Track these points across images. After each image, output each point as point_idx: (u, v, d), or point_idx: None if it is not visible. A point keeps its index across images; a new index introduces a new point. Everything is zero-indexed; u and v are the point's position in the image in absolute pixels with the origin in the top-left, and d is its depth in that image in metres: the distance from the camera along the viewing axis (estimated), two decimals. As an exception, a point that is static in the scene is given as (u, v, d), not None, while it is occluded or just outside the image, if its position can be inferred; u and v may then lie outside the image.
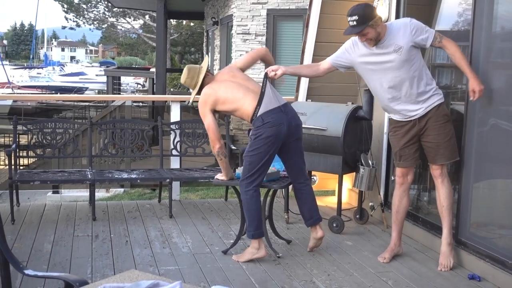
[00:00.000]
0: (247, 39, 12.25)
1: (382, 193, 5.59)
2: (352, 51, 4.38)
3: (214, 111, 4.45)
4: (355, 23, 4.09)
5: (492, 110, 4.23)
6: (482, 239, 4.32)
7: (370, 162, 5.29)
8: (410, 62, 4.17)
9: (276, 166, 4.82)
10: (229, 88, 4.43)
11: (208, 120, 4.42)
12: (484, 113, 4.27)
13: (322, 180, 6.38)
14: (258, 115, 4.30)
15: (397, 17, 5.47)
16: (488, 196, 4.45)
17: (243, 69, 4.64)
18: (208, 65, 4.68)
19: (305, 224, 4.66)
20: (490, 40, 4.27)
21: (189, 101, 4.93)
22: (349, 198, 6.26)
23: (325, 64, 4.57)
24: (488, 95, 4.19)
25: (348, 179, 5.98)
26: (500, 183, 4.31)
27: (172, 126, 6.38)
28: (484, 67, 4.24)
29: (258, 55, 4.75)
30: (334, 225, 5.26)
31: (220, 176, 4.66)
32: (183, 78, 4.58)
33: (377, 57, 4.24)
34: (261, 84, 4.37)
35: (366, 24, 4.06)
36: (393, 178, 5.62)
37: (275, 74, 4.34)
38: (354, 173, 5.43)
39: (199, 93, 4.54)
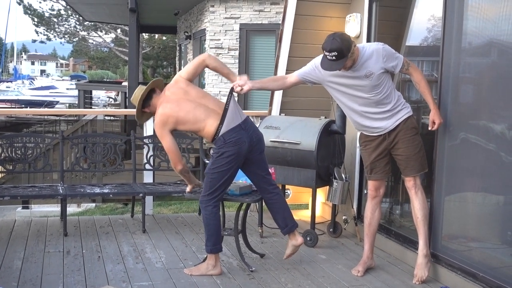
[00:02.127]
0: (220, 53, 12.28)
1: (355, 206, 5.63)
2: (321, 69, 4.33)
3: (173, 130, 4.34)
4: (334, 58, 4.07)
5: (462, 124, 4.30)
6: (454, 252, 4.37)
7: (343, 175, 5.33)
8: (379, 86, 4.24)
9: (248, 180, 4.83)
10: (189, 109, 4.28)
11: (168, 142, 4.30)
12: (454, 127, 4.33)
13: (295, 193, 6.40)
14: (219, 134, 4.25)
15: (369, 33, 5.55)
16: (459, 209, 4.50)
17: (190, 81, 4.47)
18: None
19: (282, 232, 4.65)
20: (460, 55, 4.35)
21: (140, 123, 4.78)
22: (322, 211, 6.28)
23: (292, 77, 4.58)
24: (458, 110, 4.27)
25: (321, 193, 6.01)
26: (471, 196, 4.37)
27: (146, 140, 6.34)
28: (454, 82, 4.32)
29: (200, 65, 4.51)
30: (308, 238, 5.27)
31: (188, 189, 4.69)
32: (133, 96, 4.45)
33: (348, 80, 4.27)
34: (218, 99, 4.36)
35: (346, 58, 4.08)
36: (365, 192, 5.67)
37: (242, 89, 4.30)
38: (328, 186, 5.46)
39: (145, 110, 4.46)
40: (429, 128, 4.28)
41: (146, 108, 4.46)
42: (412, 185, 4.41)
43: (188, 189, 4.70)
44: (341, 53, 4.04)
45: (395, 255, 4.96)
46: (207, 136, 4.33)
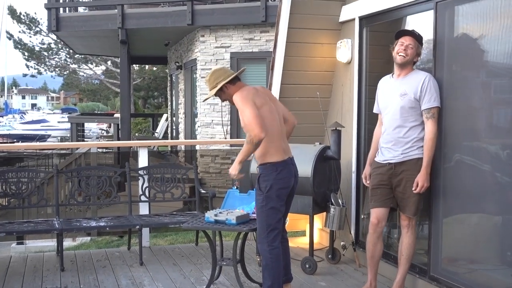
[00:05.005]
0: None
1: (353, 232, 5.61)
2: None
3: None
4: (416, 33, 4.35)
5: (458, 146, 4.32)
6: (454, 275, 4.36)
7: (340, 201, 5.32)
8: (407, 112, 4.31)
9: (246, 209, 4.81)
10: (265, 102, 4.16)
11: (252, 109, 4.00)
12: (450, 148, 4.35)
13: (292, 220, 6.35)
14: (273, 161, 4.15)
15: (360, 58, 5.60)
16: (458, 231, 4.50)
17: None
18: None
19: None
20: (451, 76, 4.38)
21: (206, 99, 4.54)
22: (320, 238, 6.26)
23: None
24: (452, 131, 4.30)
25: (318, 219, 6.00)
26: (469, 217, 4.37)
27: (140, 172, 6.32)
28: (447, 103, 4.34)
29: (288, 120, 4.46)
30: (307, 266, 5.24)
31: (234, 170, 4.20)
32: (209, 75, 4.30)
33: (391, 89, 4.44)
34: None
35: (419, 41, 4.33)
36: (362, 217, 5.67)
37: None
38: (325, 213, 5.45)
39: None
40: (413, 189, 4.31)
41: (224, 87, 4.24)
42: (406, 224, 4.46)
43: (233, 169, 4.18)
44: (419, 37, 4.36)
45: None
46: (264, 152, 4.14)
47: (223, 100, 4.41)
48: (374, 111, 4.72)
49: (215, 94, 4.32)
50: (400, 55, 4.34)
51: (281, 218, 4.26)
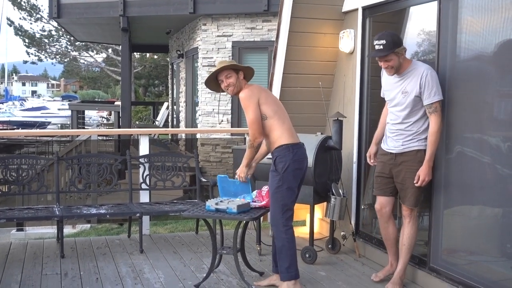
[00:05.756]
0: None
1: (353, 222, 5.62)
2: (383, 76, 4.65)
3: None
4: (381, 47, 4.24)
5: (459, 138, 4.32)
6: (454, 266, 4.36)
7: (340, 191, 5.32)
8: (410, 106, 4.32)
9: (246, 197, 4.81)
10: (274, 100, 4.48)
11: (254, 112, 4.28)
12: (451, 140, 4.35)
13: (292, 210, 6.37)
14: (288, 143, 4.29)
15: (363, 49, 5.58)
16: (459, 223, 4.50)
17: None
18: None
19: (273, 270, 4.62)
20: (454, 68, 4.37)
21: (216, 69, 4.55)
22: (320, 228, 6.27)
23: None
24: (454, 123, 4.29)
25: (318, 209, 6.00)
26: (470, 209, 4.38)
27: (141, 160, 6.32)
28: (449, 95, 4.33)
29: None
30: (307, 255, 5.25)
31: (240, 171, 4.56)
32: (226, 60, 4.55)
33: (392, 85, 4.47)
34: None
35: (392, 51, 4.22)
36: (363, 207, 5.67)
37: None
38: (325, 202, 5.45)
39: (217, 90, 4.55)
40: (414, 182, 4.32)
41: (228, 77, 4.41)
42: (407, 214, 4.49)
43: (240, 171, 4.54)
44: (388, 43, 4.21)
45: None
46: (277, 135, 4.31)
47: (224, 88, 4.44)
48: (381, 95, 4.72)
49: (221, 82, 4.46)
50: (387, 71, 4.40)
51: (294, 200, 4.38)
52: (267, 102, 4.34)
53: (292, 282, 4.34)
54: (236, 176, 4.61)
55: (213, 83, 4.54)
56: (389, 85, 4.51)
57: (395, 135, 4.45)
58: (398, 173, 4.46)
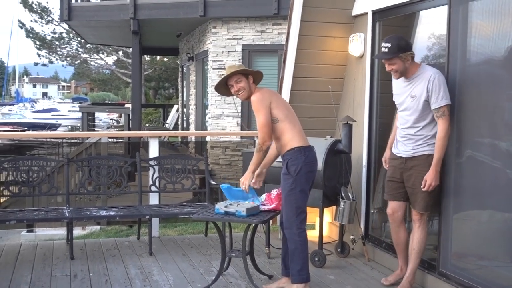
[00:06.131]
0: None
1: (362, 226, 5.61)
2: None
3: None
4: (386, 50, 4.26)
5: (469, 142, 4.30)
6: (464, 270, 4.35)
7: (350, 195, 5.32)
8: (419, 111, 4.32)
9: (255, 201, 4.81)
10: (285, 104, 4.49)
11: (264, 115, 4.30)
12: (462, 144, 4.34)
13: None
14: (300, 146, 4.32)
15: (372, 52, 5.57)
16: (468, 227, 4.49)
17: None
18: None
19: (283, 273, 4.63)
20: (464, 72, 4.36)
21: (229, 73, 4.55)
22: (329, 231, 6.26)
23: None
24: (464, 127, 4.28)
25: (328, 213, 6.00)
26: (480, 214, 4.36)
27: (151, 162, 6.34)
28: (459, 99, 4.32)
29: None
30: (316, 259, 5.25)
31: (245, 179, 4.49)
32: (235, 65, 4.56)
33: (401, 89, 4.47)
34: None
35: (396, 55, 4.23)
36: (372, 211, 5.67)
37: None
38: (335, 206, 5.45)
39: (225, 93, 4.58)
40: (421, 186, 4.32)
41: (238, 82, 4.43)
42: (417, 219, 4.48)
43: (245, 178, 4.47)
44: (394, 47, 4.22)
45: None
46: (289, 138, 4.34)
47: (235, 92, 4.45)
48: (393, 99, 4.71)
49: (231, 85, 4.49)
50: (392, 74, 4.42)
51: (307, 203, 4.40)
52: (278, 106, 4.36)
53: (303, 285, 4.34)
54: (242, 186, 4.52)
55: (223, 88, 4.56)
56: (399, 89, 4.51)
57: (405, 139, 4.45)
58: (408, 178, 4.46)
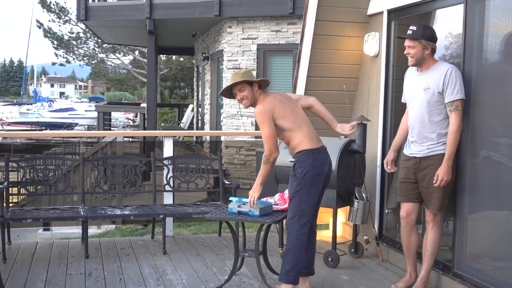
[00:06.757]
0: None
1: (376, 226, 5.58)
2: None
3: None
4: (410, 32, 4.27)
5: (485, 142, 4.26)
6: (479, 272, 4.31)
7: (364, 195, 5.29)
8: (433, 106, 4.27)
9: (269, 200, 4.81)
10: (290, 109, 4.36)
11: (268, 128, 4.25)
12: (477, 144, 4.30)
13: (316, 213, 6.35)
14: (308, 149, 4.28)
15: (388, 52, 5.54)
16: (484, 228, 4.45)
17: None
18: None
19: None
20: (480, 71, 4.32)
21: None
22: (343, 231, 6.24)
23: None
24: (480, 127, 4.24)
25: (342, 213, 5.97)
26: (495, 214, 4.32)
27: (165, 162, 6.36)
28: (475, 98, 4.28)
29: (306, 103, 4.64)
30: (330, 259, 5.23)
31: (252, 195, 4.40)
32: (240, 72, 4.44)
33: (415, 83, 4.44)
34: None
35: (417, 38, 4.22)
36: (386, 211, 5.63)
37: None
38: (348, 206, 5.43)
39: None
40: (433, 182, 4.27)
41: (241, 91, 4.36)
42: (431, 219, 4.44)
43: (254, 191, 4.38)
44: (417, 31, 4.24)
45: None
46: (296, 143, 4.32)
47: (239, 101, 4.45)
48: (402, 100, 4.69)
49: (236, 92, 4.41)
50: (409, 59, 4.37)
51: (313, 206, 4.34)
52: (284, 115, 4.29)
53: (290, 286, 4.29)
54: (250, 198, 4.40)
55: (229, 93, 4.53)
56: (411, 83, 4.48)
57: (419, 138, 4.39)
58: (423, 177, 4.42)
